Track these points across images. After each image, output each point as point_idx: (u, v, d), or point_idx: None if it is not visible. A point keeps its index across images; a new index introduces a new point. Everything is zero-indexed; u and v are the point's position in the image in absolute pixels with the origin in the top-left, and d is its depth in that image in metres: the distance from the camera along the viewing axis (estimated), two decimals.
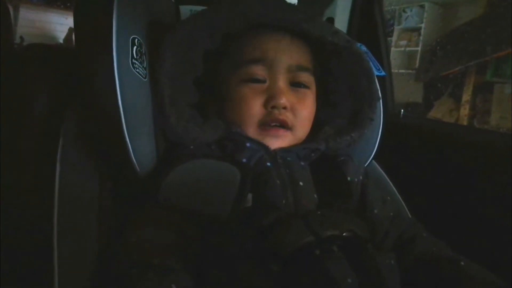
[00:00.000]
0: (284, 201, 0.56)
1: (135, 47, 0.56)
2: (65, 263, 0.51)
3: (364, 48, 0.85)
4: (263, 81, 0.62)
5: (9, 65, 0.73)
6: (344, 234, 0.51)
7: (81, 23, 0.57)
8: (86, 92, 0.56)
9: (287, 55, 0.62)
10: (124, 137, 0.54)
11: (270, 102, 0.61)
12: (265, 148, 0.61)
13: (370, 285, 0.48)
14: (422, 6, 3.92)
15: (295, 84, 0.64)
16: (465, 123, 3.28)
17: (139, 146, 0.56)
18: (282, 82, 0.62)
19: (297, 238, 0.49)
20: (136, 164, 0.56)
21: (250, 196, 0.54)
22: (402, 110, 1.06)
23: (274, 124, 0.62)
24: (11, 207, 0.63)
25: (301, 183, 0.59)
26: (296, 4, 1.22)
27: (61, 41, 3.83)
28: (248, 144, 0.60)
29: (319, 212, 0.54)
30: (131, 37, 0.56)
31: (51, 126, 0.62)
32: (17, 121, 0.66)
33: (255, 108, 0.61)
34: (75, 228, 0.55)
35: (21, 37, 3.49)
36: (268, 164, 0.59)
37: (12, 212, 0.64)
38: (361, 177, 0.66)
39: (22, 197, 0.64)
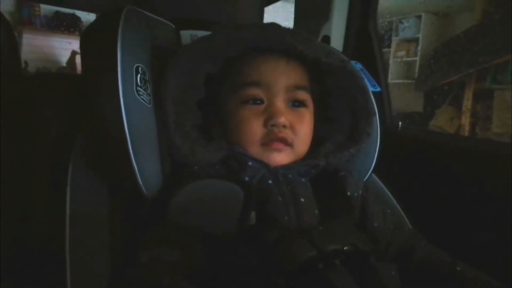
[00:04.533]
0: (286, 218, 0.58)
1: (139, 75, 0.59)
2: (77, 284, 0.53)
3: (359, 65, 0.88)
4: (261, 102, 0.64)
5: (19, 92, 0.76)
6: (346, 248, 0.53)
7: (87, 54, 0.60)
8: (93, 120, 0.59)
9: (284, 76, 0.65)
10: (131, 161, 0.56)
11: (269, 121, 0.63)
12: (267, 166, 0.63)
13: None
14: (418, 17, 3.97)
15: (293, 104, 0.66)
16: (466, 130, 3.29)
17: (146, 169, 0.58)
18: (280, 102, 0.64)
19: (301, 253, 0.50)
20: (143, 186, 0.58)
21: (253, 214, 0.56)
22: (400, 123, 1.08)
23: (275, 144, 0.63)
24: (24, 231, 0.66)
25: (302, 200, 0.61)
26: (292, 25, 1.26)
27: (64, 64, 3.90)
28: (250, 163, 0.62)
29: (321, 228, 0.56)
30: (135, 66, 0.59)
31: (61, 151, 0.64)
32: (28, 147, 0.69)
33: (256, 128, 0.63)
34: (87, 250, 0.57)
35: (25, 62, 3.56)
36: (270, 181, 0.61)
37: (24, 235, 0.66)
38: (360, 192, 0.68)
39: (34, 220, 0.66)
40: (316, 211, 0.61)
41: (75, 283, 0.53)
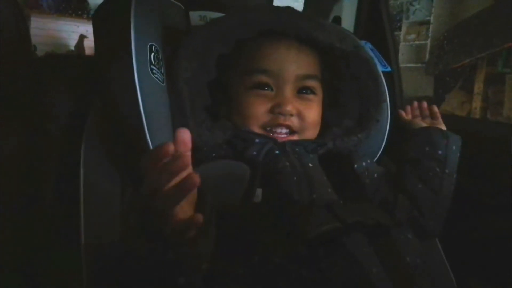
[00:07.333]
0: (295, 178, 0.58)
1: (152, 54, 0.59)
2: (91, 259, 0.54)
3: (369, 45, 0.87)
4: (270, 89, 0.64)
5: (30, 74, 0.76)
6: (368, 221, 0.53)
7: (101, 33, 0.60)
8: (108, 100, 0.59)
9: (295, 65, 0.65)
10: (146, 140, 0.56)
11: (276, 109, 0.63)
12: (274, 140, 0.63)
13: (395, 271, 0.50)
14: None
15: (302, 91, 0.66)
16: (477, 115, 3.25)
17: None
18: (289, 91, 0.64)
19: (324, 223, 0.50)
20: None
21: (259, 191, 0.56)
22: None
23: (279, 130, 0.64)
24: (37, 209, 0.67)
25: (310, 165, 0.61)
26: (302, 4, 1.24)
27: (72, 48, 3.90)
28: (257, 140, 0.62)
29: (341, 201, 0.57)
30: (149, 45, 0.59)
31: (73, 131, 0.65)
32: (39, 129, 0.70)
33: (261, 113, 0.64)
34: (101, 231, 0.58)
35: (34, 46, 3.56)
36: (277, 152, 0.61)
37: (37, 215, 0.67)
38: (368, 160, 0.69)
39: (48, 200, 0.67)
40: (325, 178, 0.61)
41: (89, 259, 0.55)
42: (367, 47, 0.84)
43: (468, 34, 3.30)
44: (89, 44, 3.74)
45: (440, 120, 0.82)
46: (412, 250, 0.54)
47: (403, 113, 0.86)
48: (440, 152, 0.70)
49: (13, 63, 0.73)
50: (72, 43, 3.92)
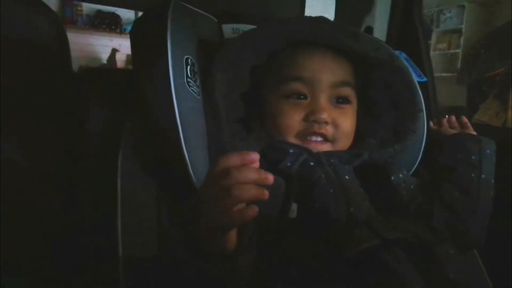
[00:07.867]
0: (332, 191, 0.57)
1: (188, 67, 0.60)
2: (129, 270, 0.55)
3: (404, 55, 0.85)
4: (305, 97, 0.64)
5: (68, 87, 0.79)
6: (408, 237, 0.51)
7: (138, 47, 0.61)
8: (145, 112, 0.60)
9: (329, 72, 0.64)
10: (182, 152, 0.57)
11: (311, 117, 0.62)
12: (308, 151, 0.62)
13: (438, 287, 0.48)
14: (461, 7, 3.80)
15: (337, 100, 0.65)
16: None
17: (196, 160, 0.59)
18: (323, 99, 0.63)
19: (364, 240, 0.49)
20: (193, 176, 0.59)
21: (295, 206, 0.55)
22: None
23: (314, 138, 0.63)
24: (77, 218, 0.69)
25: (346, 177, 0.60)
26: (333, 15, 1.23)
27: (104, 61, 4.03)
28: (291, 151, 0.62)
29: (380, 217, 0.55)
30: (185, 58, 0.60)
31: (111, 142, 0.67)
32: (78, 139, 0.72)
33: (295, 121, 0.63)
34: (137, 238, 0.59)
35: None
36: (312, 163, 0.60)
37: (76, 222, 0.69)
38: (405, 172, 0.67)
39: (86, 209, 0.69)
40: (361, 190, 0.60)
41: (127, 276, 0.55)
42: (402, 57, 0.83)
43: (502, 43, 3.21)
44: (121, 57, 3.86)
45: (471, 129, 0.79)
46: (455, 266, 0.52)
47: (431, 123, 0.83)
48: (473, 157, 0.67)
49: (53, 76, 0.76)
50: (105, 56, 4.05)
